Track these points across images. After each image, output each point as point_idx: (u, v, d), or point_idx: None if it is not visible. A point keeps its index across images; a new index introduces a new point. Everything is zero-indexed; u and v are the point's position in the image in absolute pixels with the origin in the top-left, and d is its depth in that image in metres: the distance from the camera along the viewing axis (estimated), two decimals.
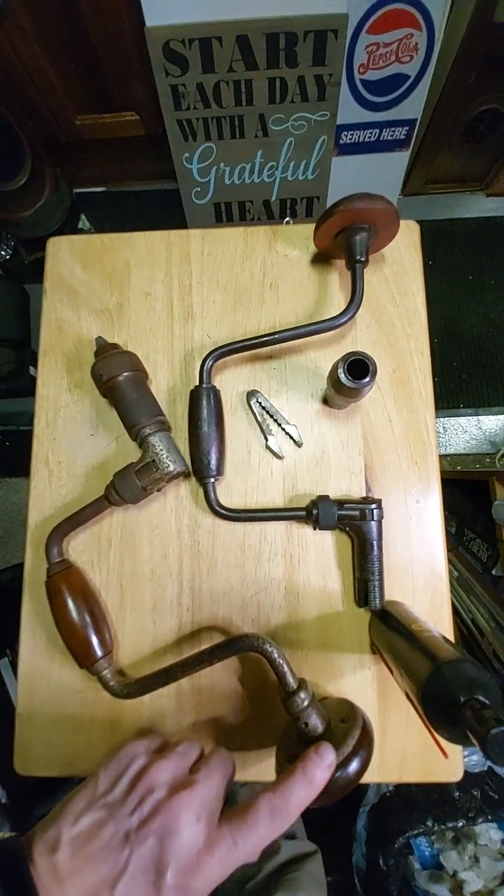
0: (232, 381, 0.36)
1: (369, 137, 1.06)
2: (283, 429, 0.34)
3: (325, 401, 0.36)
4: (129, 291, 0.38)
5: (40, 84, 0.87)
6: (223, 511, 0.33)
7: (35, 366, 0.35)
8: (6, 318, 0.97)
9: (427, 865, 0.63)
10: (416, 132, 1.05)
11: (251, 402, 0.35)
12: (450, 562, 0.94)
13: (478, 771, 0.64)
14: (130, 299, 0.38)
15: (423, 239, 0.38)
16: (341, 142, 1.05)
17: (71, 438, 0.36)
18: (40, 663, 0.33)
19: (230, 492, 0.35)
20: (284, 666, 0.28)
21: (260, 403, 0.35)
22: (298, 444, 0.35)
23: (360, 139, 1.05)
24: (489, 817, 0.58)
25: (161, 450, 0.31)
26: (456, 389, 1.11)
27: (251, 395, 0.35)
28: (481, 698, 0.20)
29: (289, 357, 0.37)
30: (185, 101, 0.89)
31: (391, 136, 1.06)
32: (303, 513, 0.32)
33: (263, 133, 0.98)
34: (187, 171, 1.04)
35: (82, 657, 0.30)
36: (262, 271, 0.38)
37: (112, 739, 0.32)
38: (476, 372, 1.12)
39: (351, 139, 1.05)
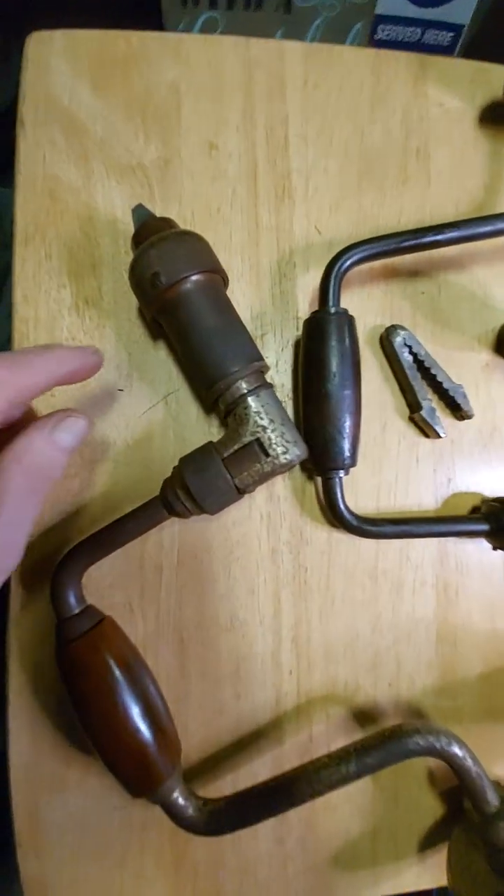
0: (356, 310, 0.22)
1: (409, 37, 0.88)
2: (447, 390, 0.21)
3: (500, 348, 0.23)
4: (180, 139, 0.22)
5: None
6: (361, 525, 0.20)
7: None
8: None
9: None
10: (461, 41, 0.88)
11: (395, 344, 0.21)
12: None
13: None
14: (181, 153, 0.22)
15: None
16: (377, 37, 0.86)
17: (82, 395, 0.21)
18: (47, 771, 0.20)
19: (355, 490, 0.22)
20: (483, 779, 0.17)
21: (410, 347, 0.21)
22: (467, 416, 0.22)
23: (399, 37, 0.87)
24: None
25: (269, 423, 0.17)
26: None
27: (392, 332, 0.22)
28: None
29: (444, 275, 0.23)
30: None
31: (434, 40, 0.89)
32: (483, 526, 0.20)
33: (286, 8, 0.77)
34: None
35: (140, 780, 0.17)
36: (404, 127, 0.23)
37: (177, 879, 0.20)
38: None
39: (388, 35, 0.86)
